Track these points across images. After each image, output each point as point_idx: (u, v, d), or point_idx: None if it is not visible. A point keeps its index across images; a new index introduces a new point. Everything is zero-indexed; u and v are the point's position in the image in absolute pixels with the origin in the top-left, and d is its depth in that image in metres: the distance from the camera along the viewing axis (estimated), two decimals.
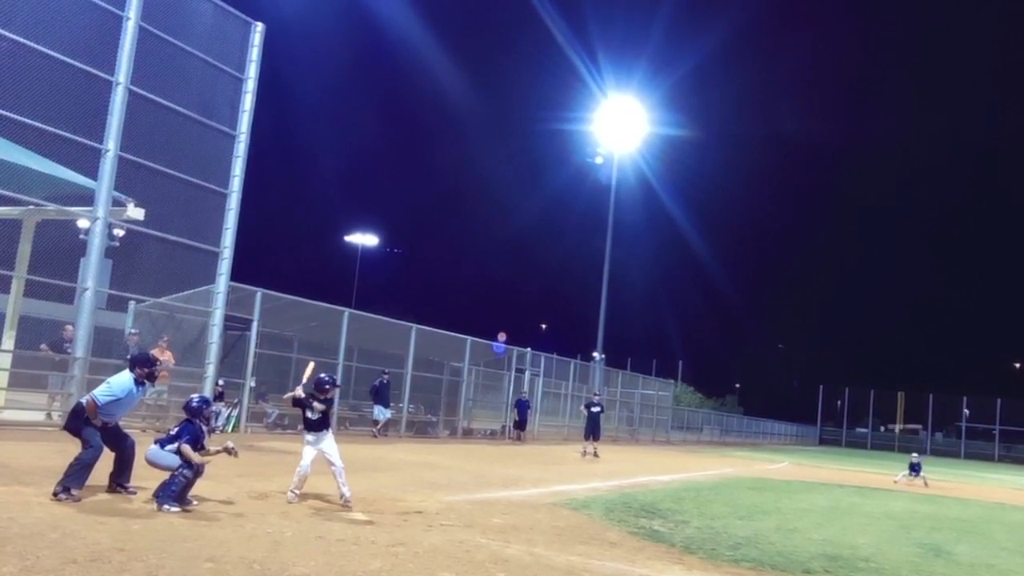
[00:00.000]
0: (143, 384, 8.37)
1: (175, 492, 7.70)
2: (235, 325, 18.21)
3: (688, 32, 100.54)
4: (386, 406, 22.58)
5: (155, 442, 8.09)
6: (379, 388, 22.54)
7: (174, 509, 7.58)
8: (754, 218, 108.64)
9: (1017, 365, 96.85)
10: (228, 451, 8.40)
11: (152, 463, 7.98)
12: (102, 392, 8.10)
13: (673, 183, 75.80)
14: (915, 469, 24.79)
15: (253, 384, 19.07)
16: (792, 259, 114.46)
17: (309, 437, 9.22)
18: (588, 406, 24.89)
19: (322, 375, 9.48)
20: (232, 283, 17.41)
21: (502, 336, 25.28)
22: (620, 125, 45.93)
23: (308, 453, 9.12)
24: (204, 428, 8.41)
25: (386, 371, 22.95)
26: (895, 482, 24.21)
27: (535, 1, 69.50)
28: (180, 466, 7.81)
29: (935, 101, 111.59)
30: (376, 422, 22.34)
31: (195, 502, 7.93)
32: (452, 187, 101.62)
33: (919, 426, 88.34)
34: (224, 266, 17.03)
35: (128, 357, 8.86)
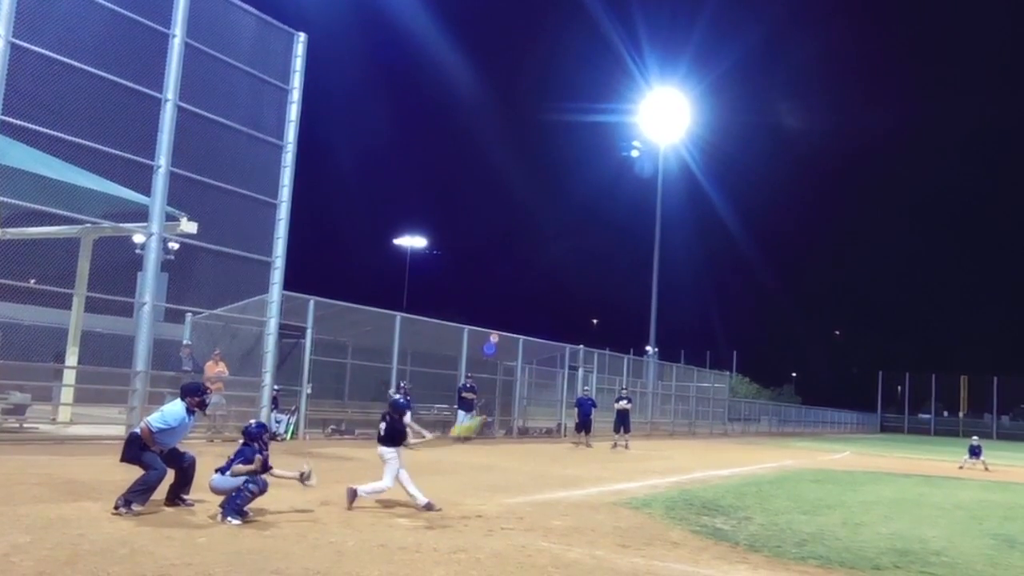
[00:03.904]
0: (194, 412, 8.55)
1: (239, 505, 7.79)
2: (290, 333, 18.41)
3: (733, 23, 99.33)
4: (468, 411, 22.55)
5: (216, 471, 8.18)
6: (463, 391, 22.53)
7: (236, 522, 7.66)
8: (804, 206, 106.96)
9: None
10: (302, 479, 8.49)
11: (217, 491, 8.10)
12: (156, 420, 8.26)
13: (718, 174, 75.12)
14: (975, 453, 25.29)
15: (309, 391, 19.25)
16: (845, 245, 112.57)
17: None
18: (617, 400, 26.45)
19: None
20: (285, 292, 17.59)
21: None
22: (665, 116, 45.56)
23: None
24: (263, 451, 8.48)
25: (469, 375, 23.08)
26: (960, 468, 24.33)
27: None
28: (246, 480, 7.90)
29: (984, 82, 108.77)
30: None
31: (251, 513, 7.99)
32: (498, 186, 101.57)
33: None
34: (276, 275, 17.20)
35: (180, 387, 9.04)
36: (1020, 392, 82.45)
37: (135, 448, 8.15)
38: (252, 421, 9.19)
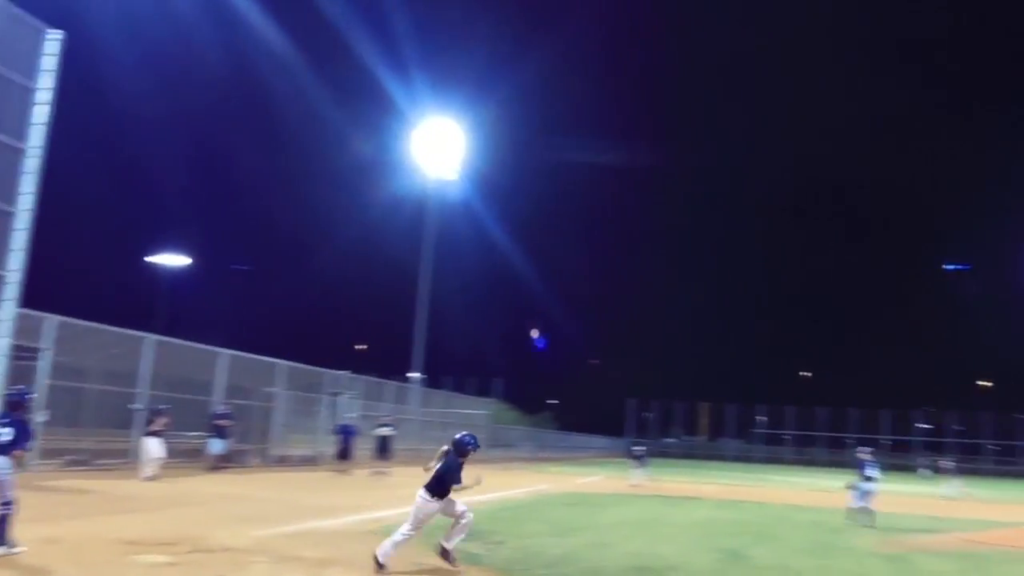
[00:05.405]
0: None
1: (5, 531, 7.14)
2: (22, 355, 16.84)
3: (508, 57, 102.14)
4: (223, 438, 21.86)
5: None
6: (217, 419, 21.98)
7: (14, 551, 7.00)
8: (573, 240, 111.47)
9: (807, 375, 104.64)
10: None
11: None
12: None
13: (494, 205, 77.25)
14: (641, 459, 29.06)
15: (45, 418, 17.67)
16: (609, 282, 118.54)
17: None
18: (379, 427, 26.75)
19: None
20: (20, 310, 16.09)
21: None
22: (438, 148, 46.26)
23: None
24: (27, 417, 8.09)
25: (224, 402, 22.56)
26: (635, 485, 27.23)
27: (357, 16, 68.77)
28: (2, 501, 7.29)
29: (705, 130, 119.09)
30: (215, 455, 21.52)
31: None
32: (264, 209, 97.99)
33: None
34: (10, 291, 15.71)
35: None
36: (752, 418, 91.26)
37: None
38: (16, 387, 9.22)
